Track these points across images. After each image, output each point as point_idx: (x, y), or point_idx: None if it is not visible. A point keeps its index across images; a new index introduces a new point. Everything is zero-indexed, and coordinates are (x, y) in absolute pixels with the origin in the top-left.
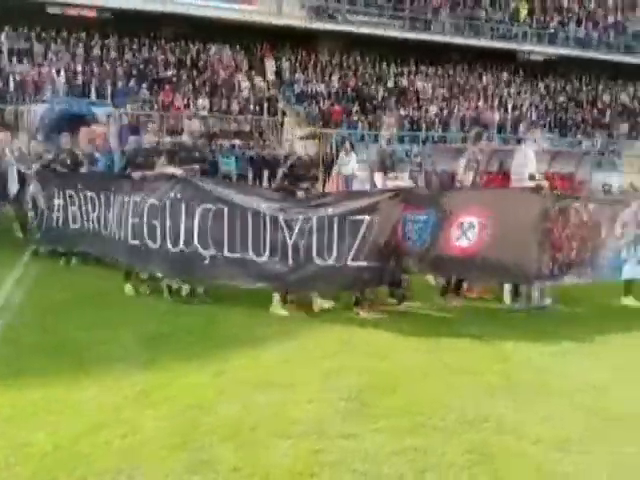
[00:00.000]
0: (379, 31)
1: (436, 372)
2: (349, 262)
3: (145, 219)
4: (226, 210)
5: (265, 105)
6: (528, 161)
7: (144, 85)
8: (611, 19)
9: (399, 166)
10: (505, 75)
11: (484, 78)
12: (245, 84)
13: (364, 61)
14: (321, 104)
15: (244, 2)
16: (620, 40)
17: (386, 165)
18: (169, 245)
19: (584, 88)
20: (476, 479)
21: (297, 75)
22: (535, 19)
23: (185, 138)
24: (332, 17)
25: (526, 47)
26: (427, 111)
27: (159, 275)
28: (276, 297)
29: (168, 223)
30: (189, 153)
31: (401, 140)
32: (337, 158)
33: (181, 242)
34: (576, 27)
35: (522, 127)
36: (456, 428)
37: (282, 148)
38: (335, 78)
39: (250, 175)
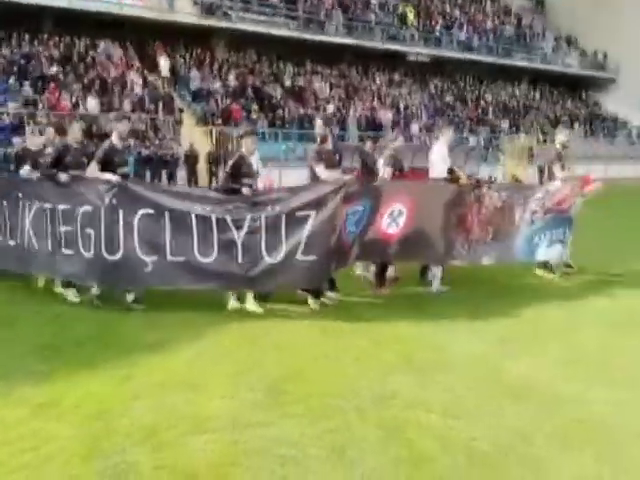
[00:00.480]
0: (274, 30)
1: (341, 358)
2: (299, 257)
3: (78, 227)
4: (167, 215)
5: (160, 103)
6: (441, 157)
7: (27, 83)
8: (490, 24)
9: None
10: (397, 76)
11: (377, 79)
12: (138, 82)
13: (260, 60)
14: (219, 102)
15: None
16: (499, 43)
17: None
18: (105, 254)
19: (468, 88)
20: (390, 451)
21: (193, 73)
22: (421, 23)
23: (116, 141)
24: (226, 15)
25: (414, 49)
26: (325, 110)
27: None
28: (250, 296)
29: (103, 231)
30: (121, 156)
31: (301, 138)
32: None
33: (120, 250)
34: (459, 31)
35: (414, 126)
36: (367, 407)
37: (181, 147)
38: (232, 76)
39: (148, 175)
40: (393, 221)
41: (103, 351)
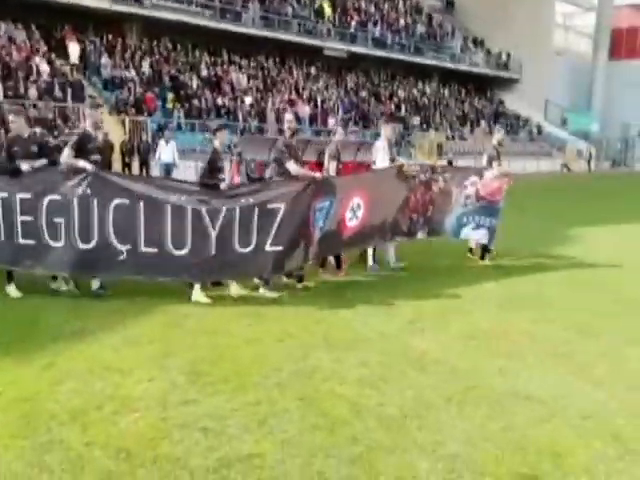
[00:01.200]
0: (189, 19)
1: (262, 340)
2: (267, 247)
3: (43, 216)
4: (142, 204)
5: (69, 90)
6: (382, 150)
7: None
8: (402, 22)
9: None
10: (313, 70)
11: (294, 72)
12: (44, 68)
13: (175, 49)
14: (133, 91)
15: None
16: (410, 41)
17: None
18: (78, 242)
19: (382, 84)
20: (308, 419)
21: (104, 59)
22: (338, 18)
23: (89, 128)
24: (138, 1)
25: (330, 44)
26: (243, 102)
27: (60, 274)
28: (197, 287)
29: (76, 220)
30: (93, 143)
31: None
32: (155, 146)
33: (94, 238)
34: (373, 28)
35: (331, 120)
36: (287, 382)
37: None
38: (146, 64)
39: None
40: (354, 215)
41: (26, 340)
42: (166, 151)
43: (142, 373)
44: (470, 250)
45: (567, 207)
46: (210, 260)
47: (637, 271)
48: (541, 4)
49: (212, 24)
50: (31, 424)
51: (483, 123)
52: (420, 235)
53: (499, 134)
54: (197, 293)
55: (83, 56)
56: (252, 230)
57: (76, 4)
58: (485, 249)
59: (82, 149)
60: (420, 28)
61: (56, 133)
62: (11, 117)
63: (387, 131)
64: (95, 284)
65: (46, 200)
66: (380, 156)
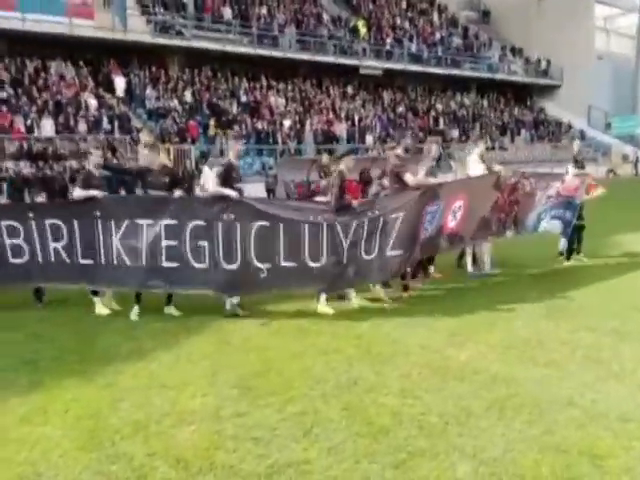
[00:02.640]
0: (228, 47)
1: (306, 354)
2: (387, 252)
3: (187, 241)
4: (281, 225)
5: (116, 123)
6: (477, 162)
7: None
8: (438, 35)
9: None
10: (350, 89)
11: (331, 92)
12: (92, 102)
13: (216, 77)
14: (176, 120)
15: (81, 16)
16: (447, 54)
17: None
18: (222, 264)
19: (419, 99)
20: (352, 428)
21: (148, 91)
22: (373, 36)
23: (233, 159)
24: (179, 33)
25: (366, 62)
26: (281, 125)
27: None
28: (322, 297)
29: (220, 242)
30: (237, 173)
31: (260, 153)
32: (199, 172)
33: (237, 259)
34: (409, 43)
35: (369, 137)
36: (331, 393)
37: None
38: (188, 93)
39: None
40: (454, 217)
41: (83, 363)
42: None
43: (196, 389)
44: (561, 253)
45: (615, 211)
46: (342, 269)
47: None
48: (580, 8)
49: (250, 50)
50: (96, 438)
51: (523, 132)
52: (508, 234)
53: (576, 145)
54: (322, 304)
55: (128, 89)
56: (375, 238)
57: (120, 40)
58: (570, 251)
59: (227, 178)
60: (456, 40)
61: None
62: (146, 150)
63: (481, 146)
64: (233, 301)
65: (190, 225)
66: (475, 166)
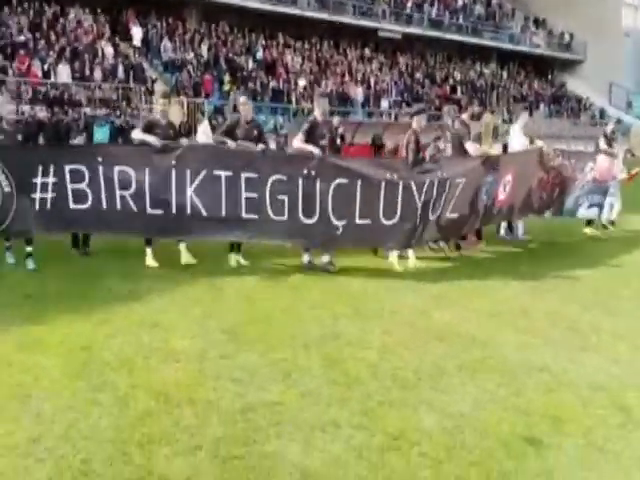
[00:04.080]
0: (247, 3)
1: (296, 308)
2: (448, 214)
3: (267, 194)
4: (359, 182)
5: (131, 73)
6: (520, 135)
7: None
8: (460, 2)
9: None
10: (367, 51)
11: (348, 54)
12: (109, 50)
13: (233, 32)
14: (192, 73)
15: None
16: (468, 22)
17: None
18: (301, 218)
19: (438, 66)
20: (328, 376)
21: (164, 43)
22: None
23: (318, 116)
24: None
25: (386, 25)
26: (296, 84)
27: (276, 244)
28: (394, 253)
29: (300, 197)
30: (321, 130)
31: (274, 111)
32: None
33: (316, 214)
34: (430, 8)
35: (384, 102)
36: (314, 343)
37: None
38: (204, 47)
39: None
40: (504, 190)
41: (82, 300)
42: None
43: (185, 331)
44: (604, 226)
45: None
46: (413, 228)
47: None
48: None
49: (268, 7)
50: (86, 369)
51: (542, 106)
52: (547, 214)
53: (612, 124)
54: (394, 259)
55: (145, 39)
56: (441, 199)
57: None
58: (589, 221)
59: (312, 135)
60: (479, 8)
61: (118, 113)
62: (242, 100)
63: (524, 118)
64: (325, 258)
65: (271, 179)
66: (516, 140)
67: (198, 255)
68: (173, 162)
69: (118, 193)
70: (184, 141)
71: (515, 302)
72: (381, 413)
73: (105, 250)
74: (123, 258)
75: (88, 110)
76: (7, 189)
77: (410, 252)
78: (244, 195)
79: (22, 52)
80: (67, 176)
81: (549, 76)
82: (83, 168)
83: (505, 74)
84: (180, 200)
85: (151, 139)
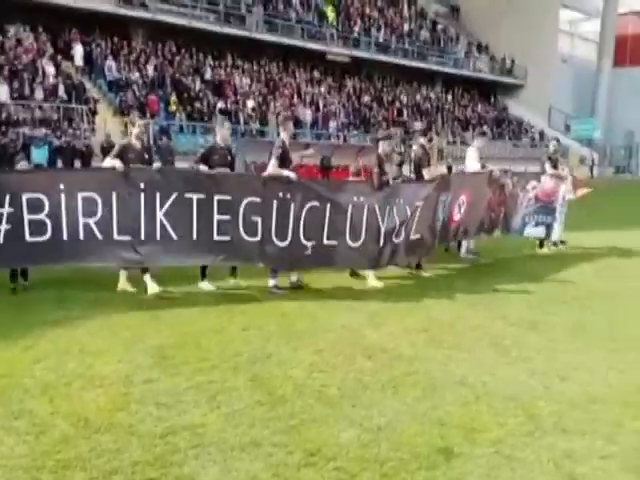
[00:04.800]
0: (194, 23)
1: (227, 330)
2: (411, 236)
3: (241, 216)
4: (329, 205)
5: (73, 92)
6: (475, 158)
7: None
8: (406, 27)
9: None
10: (316, 74)
11: (297, 76)
12: (50, 69)
13: (180, 52)
14: (137, 93)
15: None
16: (414, 47)
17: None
18: (275, 239)
19: (385, 89)
20: (254, 397)
21: (109, 62)
22: (341, 23)
23: (286, 139)
24: (144, 5)
25: (334, 49)
26: (245, 105)
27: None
28: (371, 274)
29: (273, 220)
30: (289, 154)
31: None
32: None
33: (289, 237)
34: (377, 33)
35: (332, 124)
36: (243, 365)
37: (95, 138)
38: (150, 67)
39: (60, 166)
40: (459, 210)
41: (10, 326)
42: None
43: (112, 356)
44: (554, 244)
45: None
46: (377, 251)
47: (607, 275)
48: (546, 11)
49: (216, 28)
50: (6, 395)
51: (485, 128)
52: (496, 232)
53: (552, 145)
54: (372, 279)
55: (89, 58)
56: (402, 223)
57: (82, 8)
58: (542, 241)
59: (284, 159)
60: (424, 33)
61: (58, 133)
62: (227, 125)
63: (480, 142)
64: (293, 277)
65: (245, 201)
66: (473, 162)
67: (141, 280)
68: (142, 186)
69: (81, 221)
70: (157, 165)
71: (445, 318)
72: (302, 430)
73: (44, 280)
74: (61, 286)
75: (27, 130)
76: None
77: (370, 272)
78: (216, 217)
79: None
80: (24, 205)
81: (492, 99)
82: (42, 196)
83: (450, 97)
84: (149, 225)
85: (116, 164)
